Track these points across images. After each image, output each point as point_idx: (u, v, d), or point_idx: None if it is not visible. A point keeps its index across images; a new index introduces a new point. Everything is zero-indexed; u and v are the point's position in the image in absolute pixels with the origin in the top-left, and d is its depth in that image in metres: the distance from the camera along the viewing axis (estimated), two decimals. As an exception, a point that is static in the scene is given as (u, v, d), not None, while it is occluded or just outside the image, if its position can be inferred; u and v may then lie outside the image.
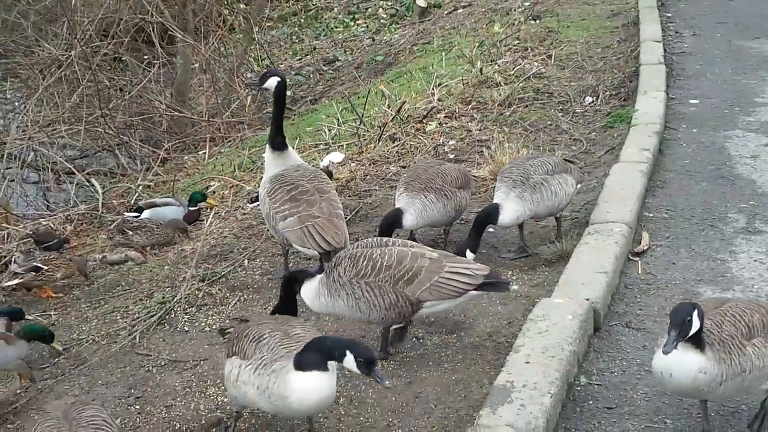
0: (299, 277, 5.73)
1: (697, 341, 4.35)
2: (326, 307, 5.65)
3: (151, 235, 8.73)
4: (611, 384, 5.36)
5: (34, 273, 7.69)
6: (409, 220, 7.03)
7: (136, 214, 9.40)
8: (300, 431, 5.15)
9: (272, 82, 7.13)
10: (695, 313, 4.28)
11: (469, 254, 6.62)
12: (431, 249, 5.76)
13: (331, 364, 4.54)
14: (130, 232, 8.73)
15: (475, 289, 5.54)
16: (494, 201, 7.02)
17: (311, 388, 4.50)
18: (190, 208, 9.47)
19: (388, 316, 5.54)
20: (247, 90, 15.69)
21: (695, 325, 4.27)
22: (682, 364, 4.37)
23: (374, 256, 5.54)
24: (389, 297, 5.47)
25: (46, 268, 7.73)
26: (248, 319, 5.33)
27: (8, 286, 7.73)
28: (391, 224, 7.00)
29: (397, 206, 7.11)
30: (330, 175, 9.33)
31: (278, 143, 7.13)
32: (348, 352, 4.47)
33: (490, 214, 6.91)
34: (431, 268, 5.50)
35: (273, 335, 4.75)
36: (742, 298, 4.97)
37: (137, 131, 14.44)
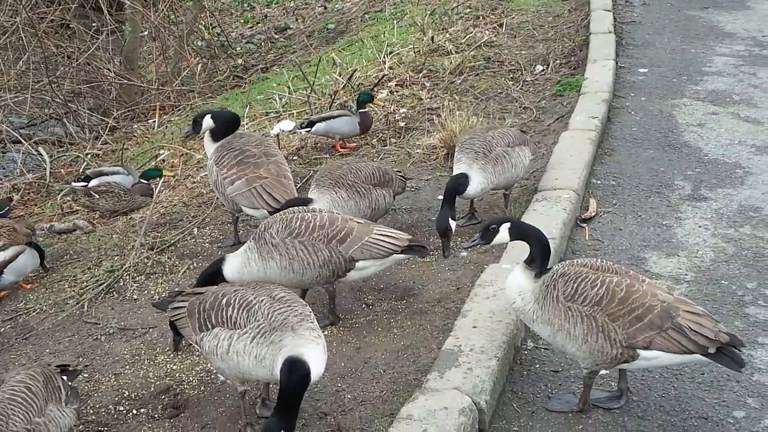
0: (218, 267, 5.66)
1: (541, 273, 4.79)
2: (257, 272, 5.61)
3: (118, 201, 8.63)
4: (558, 348, 5.43)
5: None
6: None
7: (84, 183, 9.25)
8: (252, 396, 5.15)
9: (207, 122, 7.13)
10: (504, 225, 4.85)
11: (452, 222, 6.42)
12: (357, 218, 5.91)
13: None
14: (97, 196, 8.63)
15: (401, 252, 5.68)
16: (455, 171, 6.91)
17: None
18: (142, 181, 9.28)
19: (322, 274, 5.61)
20: (197, 58, 15.54)
21: (500, 234, 4.88)
22: (512, 282, 4.87)
23: (306, 217, 5.67)
24: (323, 254, 5.56)
25: None
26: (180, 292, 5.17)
27: None
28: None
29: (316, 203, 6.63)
30: (370, 119, 9.29)
31: (218, 137, 7.16)
32: None
33: (461, 183, 6.78)
34: (361, 229, 5.69)
35: (261, 300, 4.61)
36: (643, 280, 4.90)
37: (86, 99, 14.22)
